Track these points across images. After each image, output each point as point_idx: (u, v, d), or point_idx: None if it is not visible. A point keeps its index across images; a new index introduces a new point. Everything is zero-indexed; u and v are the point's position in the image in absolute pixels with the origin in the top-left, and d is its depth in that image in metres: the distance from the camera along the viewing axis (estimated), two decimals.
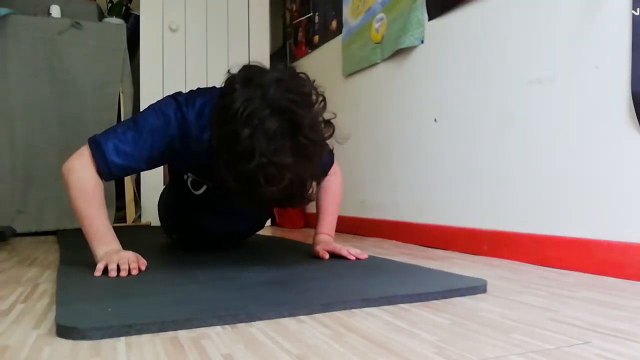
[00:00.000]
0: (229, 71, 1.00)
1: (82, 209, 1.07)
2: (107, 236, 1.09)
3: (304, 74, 1.02)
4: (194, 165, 1.24)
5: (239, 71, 0.99)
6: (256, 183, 0.91)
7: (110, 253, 1.05)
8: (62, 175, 1.09)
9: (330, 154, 1.32)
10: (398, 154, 1.90)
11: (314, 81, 1.01)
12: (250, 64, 1.01)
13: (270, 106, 0.91)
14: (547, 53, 1.28)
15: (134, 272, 1.01)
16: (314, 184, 1.02)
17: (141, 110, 1.19)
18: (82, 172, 1.08)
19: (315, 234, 1.35)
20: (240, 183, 0.94)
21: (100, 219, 1.08)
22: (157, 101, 1.15)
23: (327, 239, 1.32)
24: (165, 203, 1.61)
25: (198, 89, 1.21)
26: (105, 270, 1.01)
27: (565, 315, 0.76)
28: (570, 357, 0.57)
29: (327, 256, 1.24)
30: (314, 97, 0.98)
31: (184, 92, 1.18)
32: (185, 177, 1.31)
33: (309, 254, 1.34)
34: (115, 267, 1.00)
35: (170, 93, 1.18)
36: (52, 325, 0.71)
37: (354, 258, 1.22)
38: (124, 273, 0.99)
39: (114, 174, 1.10)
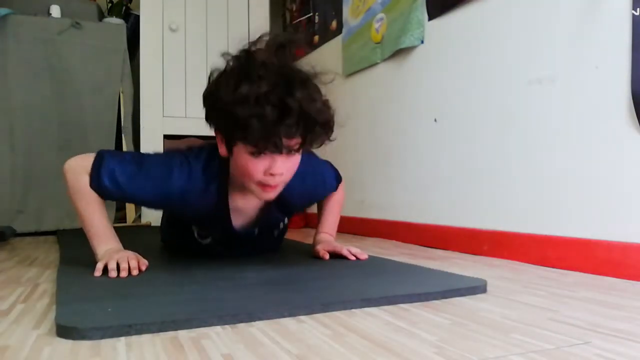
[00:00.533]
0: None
1: (81, 208, 1.07)
2: (107, 235, 1.09)
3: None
4: (197, 219, 1.19)
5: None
6: (260, 115, 0.88)
7: (111, 252, 1.05)
8: (63, 173, 1.09)
9: (336, 171, 1.34)
10: (398, 154, 1.90)
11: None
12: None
13: (264, 65, 0.90)
14: (547, 53, 1.28)
15: (134, 272, 1.01)
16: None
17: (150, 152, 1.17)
18: (79, 172, 1.08)
19: (316, 233, 1.35)
20: (245, 116, 0.89)
21: (99, 217, 1.08)
22: (170, 154, 1.12)
23: (327, 238, 1.32)
24: (167, 231, 1.50)
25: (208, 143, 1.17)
26: (106, 270, 1.00)
27: (565, 315, 0.76)
28: (570, 357, 0.57)
29: (327, 256, 1.24)
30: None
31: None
32: (192, 229, 1.25)
33: (309, 254, 1.34)
34: (114, 266, 1.00)
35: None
36: (52, 325, 0.71)
37: (353, 258, 1.22)
38: (124, 273, 0.99)
39: (102, 193, 1.07)
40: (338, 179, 1.34)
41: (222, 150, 1.01)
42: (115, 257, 1.02)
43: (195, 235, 1.25)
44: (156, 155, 1.14)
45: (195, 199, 1.07)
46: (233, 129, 0.93)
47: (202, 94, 1.01)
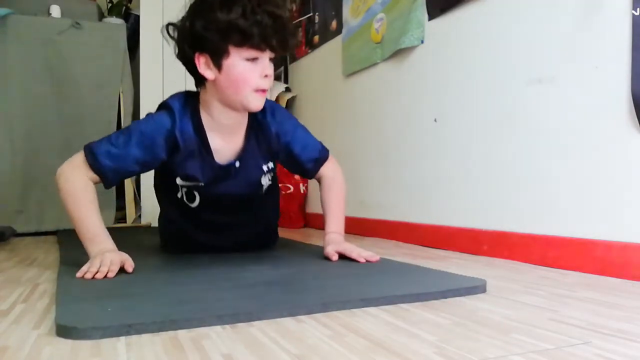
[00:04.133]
0: None
1: (72, 211, 1.09)
2: (99, 236, 1.09)
3: None
4: (184, 164, 1.24)
5: None
6: (239, 20, 1.08)
7: (97, 254, 1.05)
8: (55, 182, 1.11)
9: (323, 149, 1.36)
10: (398, 154, 1.90)
11: None
12: None
13: None
14: (547, 53, 1.28)
15: (110, 274, 0.99)
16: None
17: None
18: (71, 175, 1.11)
19: (325, 234, 1.31)
20: (226, 26, 1.09)
21: (90, 219, 1.09)
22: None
23: (338, 238, 1.29)
24: (161, 217, 1.54)
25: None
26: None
27: (565, 315, 0.76)
28: (570, 357, 0.57)
29: (335, 257, 1.22)
30: None
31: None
32: (179, 194, 1.30)
33: (309, 254, 1.34)
34: (94, 270, 0.99)
35: (171, 93, 1.27)
36: (52, 325, 0.71)
37: (363, 261, 1.18)
38: (99, 275, 0.98)
39: (110, 178, 1.14)
40: (323, 151, 1.35)
41: (209, 73, 1.15)
42: (97, 260, 1.02)
43: (185, 199, 1.32)
44: (138, 121, 1.25)
45: (180, 136, 1.19)
46: (232, 40, 1.10)
47: (179, 27, 1.23)
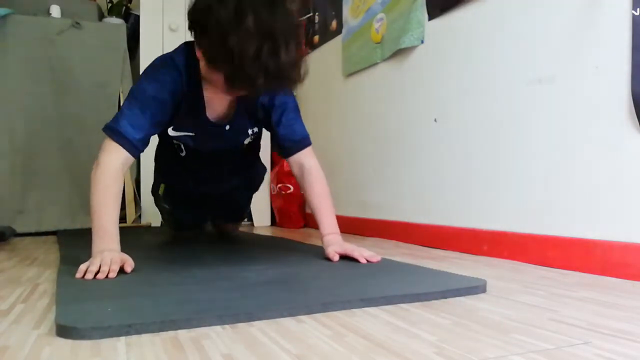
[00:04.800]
0: None
1: (93, 203, 1.10)
2: (107, 234, 1.08)
3: None
4: (180, 114, 1.28)
5: None
6: (241, 56, 0.98)
7: (97, 254, 1.05)
8: (92, 171, 1.13)
9: (308, 137, 1.37)
10: (398, 154, 1.90)
11: None
12: None
13: None
14: (547, 53, 1.28)
15: (112, 274, 0.99)
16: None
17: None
18: (105, 166, 1.12)
19: (323, 235, 1.30)
20: (225, 58, 1.00)
21: (105, 215, 1.09)
22: (148, 66, 1.25)
23: (337, 239, 1.28)
24: (156, 159, 1.71)
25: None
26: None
27: (565, 315, 0.76)
28: (570, 357, 0.57)
29: (336, 258, 1.22)
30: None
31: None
32: (176, 143, 1.41)
33: (309, 254, 1.34)
34: (94, 269, 0.99)
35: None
36: (52, 325, 0.71)
37: (364, 261, 1.18)
38: (101, 275, 0.98)
39: (141, 147, 1.19)
40: (305, 139, 1.36)
41: (202, 63, 1.13)
42: (98, 259, 1.02)
43: (176, 147, 1.43)
44: (140, 79, 1.24)
45: (184, 94, 1.21)
46: (228, 68, 1.03)
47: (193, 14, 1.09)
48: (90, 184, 1.11)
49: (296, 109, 1.36)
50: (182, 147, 1.42)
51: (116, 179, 1.12)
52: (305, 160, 1.35)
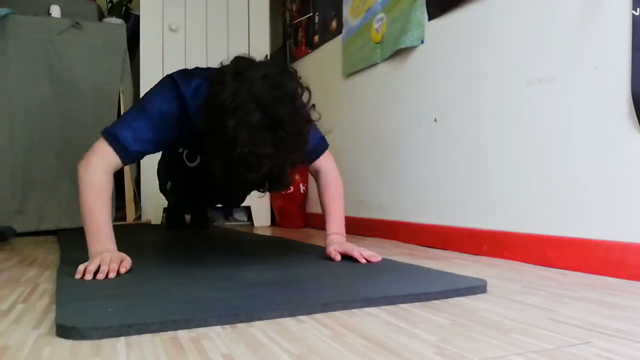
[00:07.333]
0: (221, 63, 1.10)
1: (85, 203, 1.10)
2: (103, 235, 1.09)
3: (292, 68, 1.13)
4: (190, 141, 1.31)
5: (231, 62, 1.08)
6: (237, 170, 1.00)
7: (96, 254, 1.05)
8: (78, 170, 1.13)
9: (322, 140, 1.36)
10: (398, 154, 1.90)
11: (299, 77, 1.11)
12: (242, 56, 1.10)
13: (255, 100, 0.98)
14: (547, 53, 1.28)
15: (111, 274, 0.99)
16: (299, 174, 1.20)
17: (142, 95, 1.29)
18: (95, 166, 1.12)
19: (327, 235, 1.31)
20: (223, 168, 1.03)
21: (100, 215, 1.10)
22: (158, 83, 1.23)
23: (339, 239, 1.29)
24: (161, 164, 1.76)
25: (195, 68, 1.28)
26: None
27: (565, 315, 0.76)
28: (570, 357, 0.57)
29: (338, 258, 1.22)
30: (298, 91, 1.08)
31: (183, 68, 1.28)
32: (180, 150, 1.41)
33: (309, 254, 1.34)
34: (93, 269, 0.99)
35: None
36: (52, 325, 0.71)
37: (364, 261, 1.19)
38: (101, 275, 0.98)
39: (135, 158, 1.19)
40: (320, 144, 1.34)
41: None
42: (97, 260, 1.02)
43: (184, 157, 1.42)
44: (150, 93, 1.22)
45: (190, 121, 1.18)
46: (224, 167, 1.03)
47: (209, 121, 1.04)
48: (80, 183, 1.11)
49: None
50: (197, 155, 1.43)
51: (109, 181, 1.14)
52: (322, 164, 1.36)
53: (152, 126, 1.16)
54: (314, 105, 1.15)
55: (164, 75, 1.24)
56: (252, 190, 1.22)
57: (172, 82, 1.19)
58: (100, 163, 1.13)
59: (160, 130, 1.18)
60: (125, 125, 1.16)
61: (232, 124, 0.96)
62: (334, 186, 1.35)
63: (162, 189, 1.82)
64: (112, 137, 1.14)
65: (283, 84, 1.03)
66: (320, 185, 1.36)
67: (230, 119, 0.97)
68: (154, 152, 1.24)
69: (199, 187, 1.61)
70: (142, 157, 1.23)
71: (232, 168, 1.01)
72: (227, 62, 1.09)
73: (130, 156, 1.16)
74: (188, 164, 1.45)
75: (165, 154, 1.66)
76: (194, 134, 1.14)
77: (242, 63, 1.06)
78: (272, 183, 1.12)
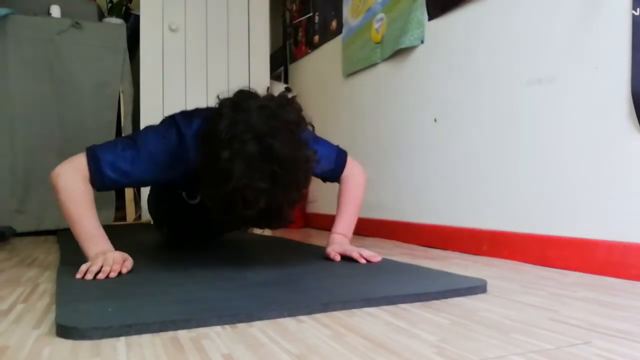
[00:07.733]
0: (218, 96, 1.05)
1: (71, 211, 1.07)
2: (96, 236, 1.08)
3: (297, 103, 1.08)
4: (189, 182, 1.23)
5: (232, 95, 1.04)
6: (233, 204, 0.96)
7: (98, 254, 1.04)
8: (51, 180, 1.10)
9: (340, 152, 1.34)
10: (398, 154, 1.90)
11: (301, 109, 1.06)
12: (244, 89, 1.05)
13: (252, 131, 0.94)
14: (547, 53, 1.28)
15: (113, 274, 0.99)
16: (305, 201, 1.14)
17: (141, 126, 1.26)
18: (71, 176, 1.09)
19: (330, 233, 1.31)
20: (219, 203, 0.98)
21: (89, 219, 1.08)
22: (159, 123, 1.19)
23: (341, 239, 1.28)
24: (155, 202, 1.66)
25: (196, 109, 1.23)
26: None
27: (565, 315, 0.76)
28: (570, 357, 0.57)
29: (338, 258, 1.22)
30: (300, 123, 1.03)
31: (183, 109, 1.22)
32: (179, 191, 1.35)
33: (309, 254, 1.34)
34: (96, 269, 0.99)
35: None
36: (52, 325, 0.71)
37: (364, 261, 1.18)
38: (101, 275, 0.98)
39: (107, 186, 1.13)
40: (338, 158, 1.32)
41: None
42: (99, 260, 1.02)
43: (184, 195, 1.35)
44: (148, 129, 1.18)
45: (189, 164, 1.12)
46: (220, 206, 1.00)
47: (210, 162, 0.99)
48: (59, 194, 1.08)
49: (315, 139, 1.23)
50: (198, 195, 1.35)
51: (86, 184, 1.10)
52: (345, 172, 1.35)
53: (137, 162, 1.11)
54: (313, 127, 1.11)
55: (165, 117, 1.21)
56: (250, 227, 1.14)
57: (173, 123, 1.16)
58: (73, 176, 1.09)
59: (145, 169, 1.13)
60: (110, 150, 1.12)
61: (227, 155, 0.92)
62: (350, 191, 1.35)
63: (157, 225, 1.77)
64: (93, 158, 1.10)
65: (282, 115, 0.99)
66: (340, 188, 1.36)
67: (225, 150, 0.93)
68: (127, 187, 1.21)
69: (200, 223, 1.53)
70: (114, 188, 1.16)
71: (228, 204, 0.96)
72: (227, 95, 1.05)
73: (103, 180, 1.11)
74: (189, 201, 1.38)
75: (161, 195, 1.57)
76: (196, 175, 1.09)
77: (241, 95, 1.03)
78: (270, 220, 1.04)
